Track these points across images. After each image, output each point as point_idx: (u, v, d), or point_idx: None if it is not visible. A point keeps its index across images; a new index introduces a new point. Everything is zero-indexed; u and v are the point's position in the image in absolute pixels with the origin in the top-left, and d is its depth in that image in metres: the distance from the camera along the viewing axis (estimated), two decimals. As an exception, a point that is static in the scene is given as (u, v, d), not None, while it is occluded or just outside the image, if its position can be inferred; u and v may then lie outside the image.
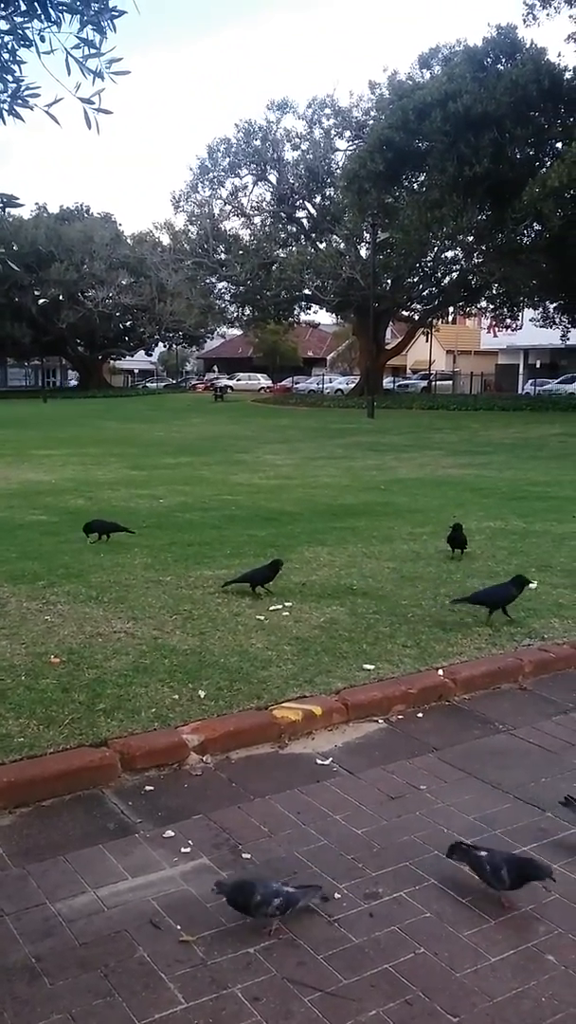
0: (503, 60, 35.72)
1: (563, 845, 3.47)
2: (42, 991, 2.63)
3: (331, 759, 4.20)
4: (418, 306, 52.71)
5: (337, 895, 3.12)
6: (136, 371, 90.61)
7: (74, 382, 78.72)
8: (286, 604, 6.43)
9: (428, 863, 3.33)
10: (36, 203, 71.55)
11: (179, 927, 2.93)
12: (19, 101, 3.89)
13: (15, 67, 3.93)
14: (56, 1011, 2.55)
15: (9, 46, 3.86)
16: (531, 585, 6.21)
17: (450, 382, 63.13)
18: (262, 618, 6.10)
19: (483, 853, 3.13)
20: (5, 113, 3.90)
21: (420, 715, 4.79)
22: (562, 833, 3.55)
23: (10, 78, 3.91)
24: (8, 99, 3.87)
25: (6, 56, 3.85)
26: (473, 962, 2.79)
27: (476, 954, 2.82)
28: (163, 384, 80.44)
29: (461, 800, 3.82)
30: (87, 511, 10.57)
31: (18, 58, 3.95)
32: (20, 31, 3.80)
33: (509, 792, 3.89)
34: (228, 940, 2.87)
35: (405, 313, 54.91)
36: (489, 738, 4.51)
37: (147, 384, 79.50)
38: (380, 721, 4.68)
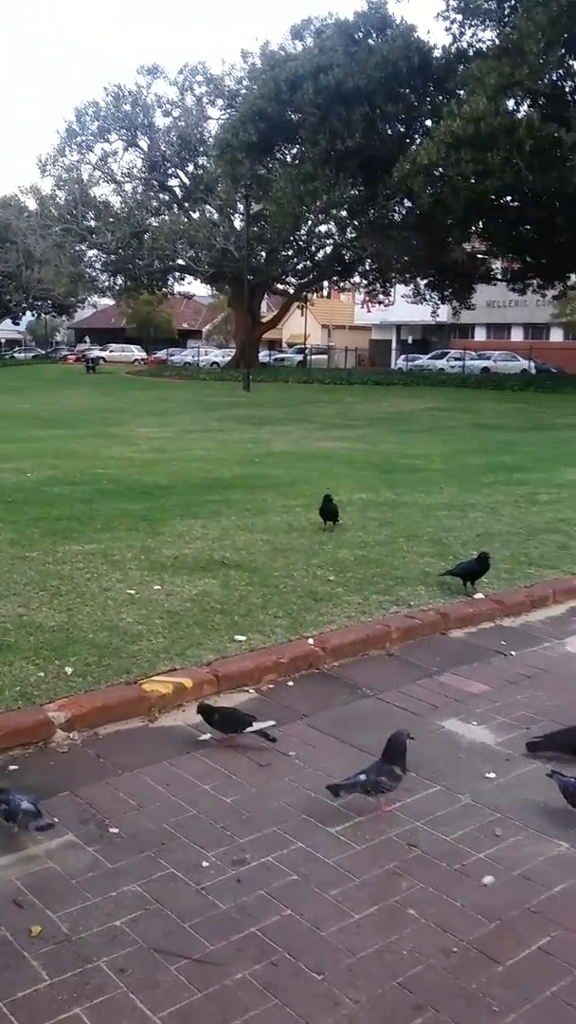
0: (374, 35, 36.01)
1: (425, 804, 3.58)
2: None
3: (200, 732, 4.20)
4: (293, 280, 52.94)
5: (205, 863, 3.14)
6: (3, 340, 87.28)
7: None
8: (159, 578, 6.38)
9: (295, 827, 3.38)
10: None
11: (42, 905, 2.88)
12: None
13: None
14: None
15: None
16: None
17: (325, 356, 63.74)
18: (132, 592, 6.03)
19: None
20: None
21: (291, 683, 4.85)
22: (423, 792, 3.67)
23: None
24: None
25: None
26: (338, 920, 2.85)
27: (341, 912, 2.89)
28: (31, 355, 77.72)
29: (328, 764, 3.89)
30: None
31: None
32: None
33: (375, 755, 3.98)
34: (94, 914, 2.84)
35: (280, 286, 55.02)
36: (357, 703, 4.62)
37: (14, 355, 76.72)
38: (251, 691, 4.71)
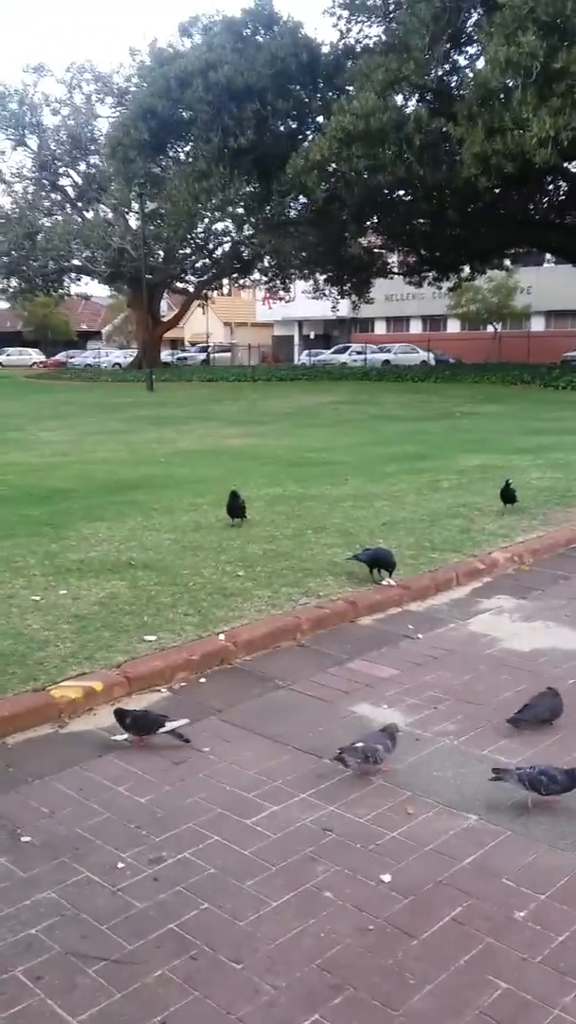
0: (262, 32, 36.08)
1: (339, 788, 3.64)
2: None
3: (112, 734, 4.16)
4: (192, 278, 52.64)
5: (121, 864, 3.12)
6: None
7: None
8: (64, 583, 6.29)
9: (211, 822, 3.39)
10: None
11: (-45, 920, 2.82)
12: None
13: None
14: None
15: None
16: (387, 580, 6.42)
17: (228, 354, 63.59)
18: (37, 598, 5.93)
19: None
20: None
21: (203, 680, 4.85)
22: (336, 777, 3.72)
23: None
24: None
25: None
26: (256, 909, 2.88)
27: (259, 901, 2.92)
28: None
29: (243, 757, 3.91)
30: None
31: None
32: None
33: (288, 744, 4.03)
34: (8, 924, 2.80)
35: (180, 285, 54.66)
36: (269, 695, 4.65)
37: None
38: (163, 690, 4.69)
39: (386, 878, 3.03)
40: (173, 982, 2.55)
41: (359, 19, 34.90)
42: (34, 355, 70.20)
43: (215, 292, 57.39)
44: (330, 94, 35.23)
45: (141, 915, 2.85)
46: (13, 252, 48.12)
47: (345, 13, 34.59)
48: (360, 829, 3.34)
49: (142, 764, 3.88)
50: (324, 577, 6.50)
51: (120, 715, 4.07)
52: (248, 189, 37.33)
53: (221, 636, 5.26)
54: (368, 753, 3.67)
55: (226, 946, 2.70)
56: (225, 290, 63.54)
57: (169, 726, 4.01)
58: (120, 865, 3.12)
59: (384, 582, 6.32)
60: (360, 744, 3.71)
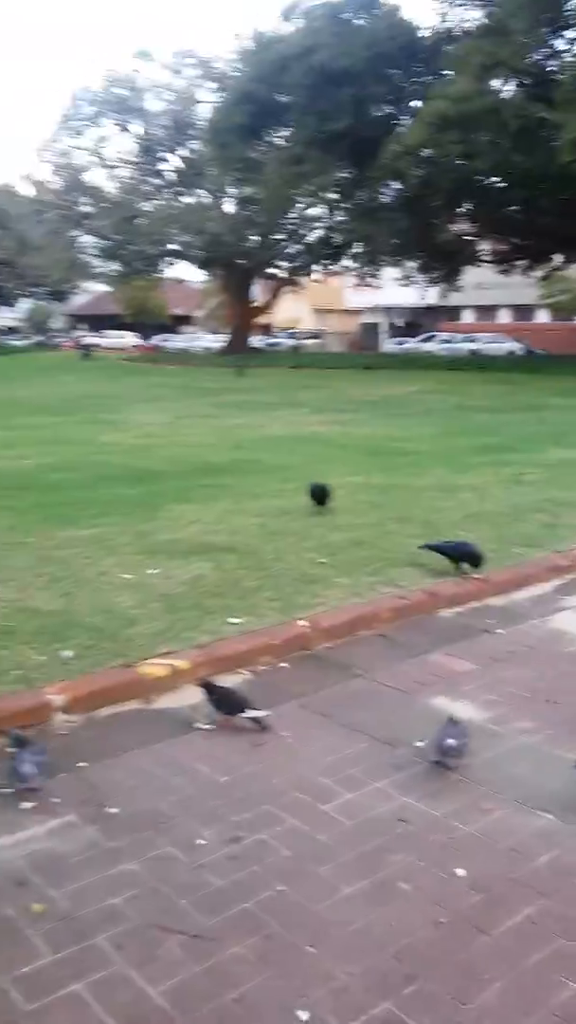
0: (362, 15, 35.76)
1: (414, 780, 3.67)
2: None
3: (196, 714, 4.27)
4: (284, 263, 52.73)
5: (200, 841, 3.21)
6: (1, 327, 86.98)
7: None
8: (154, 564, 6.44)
9: (288, 805, 3.46)
10: None
11: (44, 884, 2.96)
12: None
13: None
14: None
15: None
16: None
17: (317, 340, 63.57)
18: (129, 577, 6.09)
19: None
20: None
21: (284, 665, 4.92)
22: (412, 769, 3.75)
23: None
24: None
25: None
26: (330, 895, 2.93)
27: (332, 887, 2.97)
28: (29, 341, 77.58)
29: (320, 743, 3.97)
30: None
31: None
32: None
33: (365, 732, 4.07)
34: (93, 892, 2.92)
35: (271, 271, 54.84)
36: (348, 683, 4.69)
37: (11, 342, 76.56)
38: (245, 673, 4.78)
39: (461, 872, 3.05)
40: (248, 960, 2.63)
41: (459, 2, 34.29)
42: (130, 338, 71.45)
43: (305, 278, 57.35)
44: (427, 78, 34.75)
45: (218, 892, 2.93)
46: (114, 236, 49.07)
47: (446, -4, 34.05)
48: (435, 822, 3.36)
49: (223, 744, 3.97)
50: (405, 568, 6.49)
51: (208, 688, 4.18)
52: (342, 174, 37.17)
53: (302, 622, 5.31)
54: (460, 751, 3.70)
55: (300, 929, 2.77)
56: (315, 276, 63.48)
57: (251, 713, 4.08)
58: (199, 842, 3.21)
59: (471, 576, 6.28)
60: (452, 741, 3.70)
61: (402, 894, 2.94)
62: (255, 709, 4.12)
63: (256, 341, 60.35)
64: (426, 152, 30.53)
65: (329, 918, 2.82)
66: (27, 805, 3.42)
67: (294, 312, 67.61)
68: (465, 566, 6.34)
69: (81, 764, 3.74)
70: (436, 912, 2.85)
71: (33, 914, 2.81)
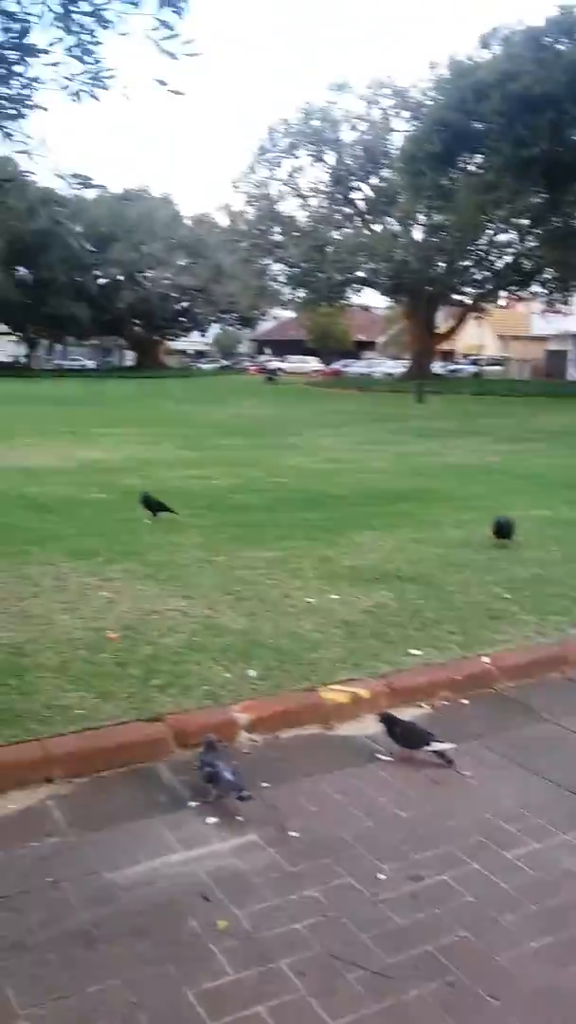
0: (564, 40, 35.02)
1: (607, 836, 3.49)
2: (98, 956, 2.74)
3: (377, 743, 4.25)
4: (470, 290, 52.15)
5: (381, 875, 3.19)
6: (192, 352, 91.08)
7: (130, 362, 79.27)
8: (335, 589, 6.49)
9: (470, 848, 3.38)
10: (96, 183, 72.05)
11: (227, 900, 3.02)
12: (98, 83, 3.96)
13: (94, 48, 4.00)
14: (111, 976, 2.64)
15: (89, 28, 3.92)
16: None
17: (500, 367, 62.37)
18: (311, 600, 6.16)
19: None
20: (84, 94, 3.97)
21: (465, 701, 4.82)
22: (606, 824, 3.57)
23: (90, 59, 3.98)
24: (89, 81, 3.94)
25: (86, 38, 3.92)
26: (514, 946, 2.83)
27: (517, 939, 2.87)
28: (217, 366, 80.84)
29: (504, 786, 3.86)
30: (143, 491, 10.68)
31: (95, 39, 4.02)
32: (100, 12, 3.86)
33: (552, 780, 3.92)
34: (275, 916, 2.95)
35: (457, 297, 54.34)
36: (533, 727, 4.54)
37: (201, 365, 79.98)
38: (425, 706, 4.72)
39: None
40: (428, 1004, 2.58)
41: None
42: (313, 363, 72.83)
43: (491, 304, 56.46)
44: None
45: (400, 931, 2.89)
46: (304, 264, 50.25)
47: None
48: (630, 883, 3.18)
49: (403, 778, 3.93)
50: (596, 610, 6.22)
51: (389, 721, 4.15)
52: (535, 200, 36.44)
53: (486, 659, 5.20)
54: None
55: (483, 979, 2.68)
56: (501, 302, 62.36)
57: (436, 746, 4.03)
58: (380, 876, 3.18)
59: None
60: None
61: (592, 956, 2.80)
62: (440, 742, 4.06)
63: (437, 367, 59.90)
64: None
65: (513, 971, 2.72)
66: (212, 820, 3.51)
67: (477, 338, 66.64)
68: None
69: (264, 784, 3.80)
70: (630, 980, 2.69)
71: (218, 931, 2.87)
